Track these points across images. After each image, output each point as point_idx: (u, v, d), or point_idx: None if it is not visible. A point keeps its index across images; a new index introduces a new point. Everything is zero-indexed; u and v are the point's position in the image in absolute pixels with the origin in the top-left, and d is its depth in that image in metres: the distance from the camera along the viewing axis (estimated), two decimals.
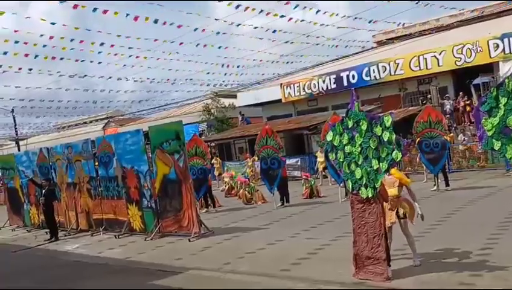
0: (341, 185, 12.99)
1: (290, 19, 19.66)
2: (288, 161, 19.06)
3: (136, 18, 17.29)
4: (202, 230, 10.46)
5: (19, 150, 40.78)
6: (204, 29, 20.02)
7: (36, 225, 15.47)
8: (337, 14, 19.93)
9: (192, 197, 10.57)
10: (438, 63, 21.52)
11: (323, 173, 18.30)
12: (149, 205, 11.34)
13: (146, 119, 41.53)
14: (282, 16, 18.93)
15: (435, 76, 22.52)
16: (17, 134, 41.06)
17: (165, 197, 11.00)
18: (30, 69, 20.05)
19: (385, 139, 5.82)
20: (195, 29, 19.57)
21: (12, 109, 37.92)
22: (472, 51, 20.45)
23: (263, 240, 9.15)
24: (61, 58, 19.96)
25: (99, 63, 22.56)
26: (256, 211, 13.49)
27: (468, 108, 20.36)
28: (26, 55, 19.10)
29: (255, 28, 21.53)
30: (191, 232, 10.25)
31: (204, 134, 31.14)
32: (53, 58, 19.71)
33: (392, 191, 6.33)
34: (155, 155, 11.07)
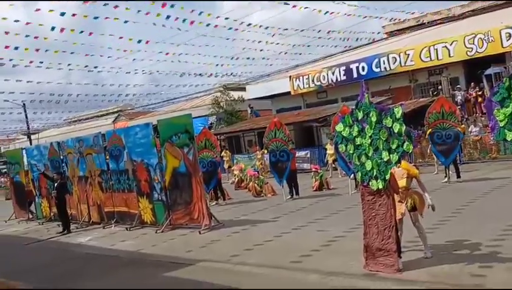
0: (351, 177, 12.96)
1: (294, 6, 19.49)
2: (298, 154, 19.03)
3: (147, 13, 17.56)
4: (212, 222, 10.51)
5: (30, 144, 41.28)
6: (216, 25, 19.93)
7: (48, 218, 15.66)
8: None
9: (202, 190, 10.62)
10: (449, 54, 21.29)
11: (333, 165, 18.27)
12: (159, 198, 11.41)
13: (156, 113, 41.69)
14: (286, 3, 18.78)
15: (445, 67, 22.30)
16: (28, 128, 41.50)
17: (175, 190, 11.06)
18: (41, 62, 20.25)
19: (395, 131, 5.77)
20: (206, 12, 19.56)
21: (24, 104, 38.32)
22: (484, 41, 20.18)
23: (273, 232, 9.17)
24: (72, 53, 20.16)
25: (109, 57, 22.67)
26: (265, 204, 13.52)
27: (479, 99, 20.14)
28: (37, 50, 19.29)
29: (261, 26, 21.45)
30: (202, 225, 10.30)
31: (214, 127, 31.21)
32: (63, 51, 19.86)
33: (400, 183, 6.29)
34: (164, 148, 11.12)
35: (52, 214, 15.39)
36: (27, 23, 17.46)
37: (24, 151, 17.92)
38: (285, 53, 26.77)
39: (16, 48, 17.99)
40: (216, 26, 20.21)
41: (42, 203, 16.13)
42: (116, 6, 17.41)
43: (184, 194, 10.82)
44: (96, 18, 18.22)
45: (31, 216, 16.91)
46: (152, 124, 11.74)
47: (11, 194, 18.99)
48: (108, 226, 12.72)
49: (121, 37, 19.30)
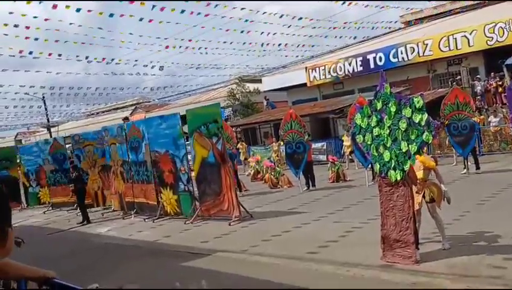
0: (368, 168, 12.88)
1: None
2: (314, 145, 18.96)
3: (162, 9, 17.73)
4: (242, 213, 10.28)
5: (50, 136, 41.95)
6: (231, 17, 19.91)
7: (47, 203, 18.04)
8: None
9: (231, 180, 10.47)
10: (469, 43, 20.88)
11: (350, 156, 18.16)
12: (186, 189, 11.35)
13: (172, 105, 41.95)
14: None
15: (465, 56, 21.88)
16: (48, 121, 42.18)
17: (204, 181, 10.88)
18: (59, 55, 20.54)
19: (416, 121, 5.70)
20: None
21: (43, 96, 38.97)
22: (504, 29, 19.72)
23: (290, 224, 9.19)
24: (90, 44, 20.31)
25: (127, 48, 22.74)
26: (282, 195, 13.54)
27: (500, 89, 19.73)
28: (56, 41, 19.57)
29: (278, 14, 21.34)
30: (232, 216, 10.07)
31: (230, 119, 31.27)
32: (82, 43, 20.05)
33: (418, 175, 6.24)
34: (193, 139, 10.95)
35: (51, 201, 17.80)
36: (46, 20, 17.52)
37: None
38: (303, 45, 26.57)
39: (36, 39, 18.27)
40: (231, 17, 20.13)
41: (40, 191, 18.76)
42: (132, 1, 17.41)
43: (213, 184, 10.64)
44: (111, 16, 18.35)
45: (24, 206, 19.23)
46: (180, 115, 11.62)
47: None
48: (128, 216, 12.90)
49: (140, 35, 19.40)
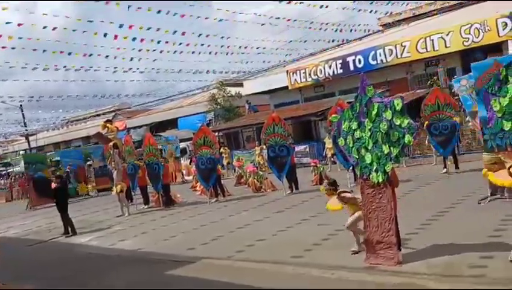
0: (350, 170, 12.97)
1: (289, 2, 19.27)
2: (297, 148, 19.06)
3: (138, 9, 17.55)
4: None
5: (28, 145, 41.25)
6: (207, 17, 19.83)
7: (85, 193, 23.93)
8: None
9: None
10: (445, 44, 21.29)
11: (332, 159, 18.29)
12: None
13: (153, 111, 41.67)
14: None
15: (442, 57, 22.27)
16: (26, 130, 41.44)
17: None
18: (37, 64, 20.25)
19: (397, 123, 5.76)
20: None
21: (21, 105, 38.27)
22: (480, 30, 20.17)
23: (274, 228, 9.18)
24: (69, 54, 19.82)
25: (107, 56, 22.19)
26: (266, 199, 13.53)
27: None
28: (35, 50, 19.27)
29: (259, 15, 21.40)
30: None
31: (212, 123, 31.20)
32: (61, 52, 19.69)
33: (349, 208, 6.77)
34: None
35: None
36: (19, 25, 16.99)
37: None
38: (281, 49, 26.67)
39: (13, 48, 17.98)
40: (207, 18, 20.10)
41: (78, 186, 24.34)
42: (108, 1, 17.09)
43: None
44: (90, 21, 18.21)
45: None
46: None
47: (29, 188, 22.74)
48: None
49: (116, 36, 19.03)
